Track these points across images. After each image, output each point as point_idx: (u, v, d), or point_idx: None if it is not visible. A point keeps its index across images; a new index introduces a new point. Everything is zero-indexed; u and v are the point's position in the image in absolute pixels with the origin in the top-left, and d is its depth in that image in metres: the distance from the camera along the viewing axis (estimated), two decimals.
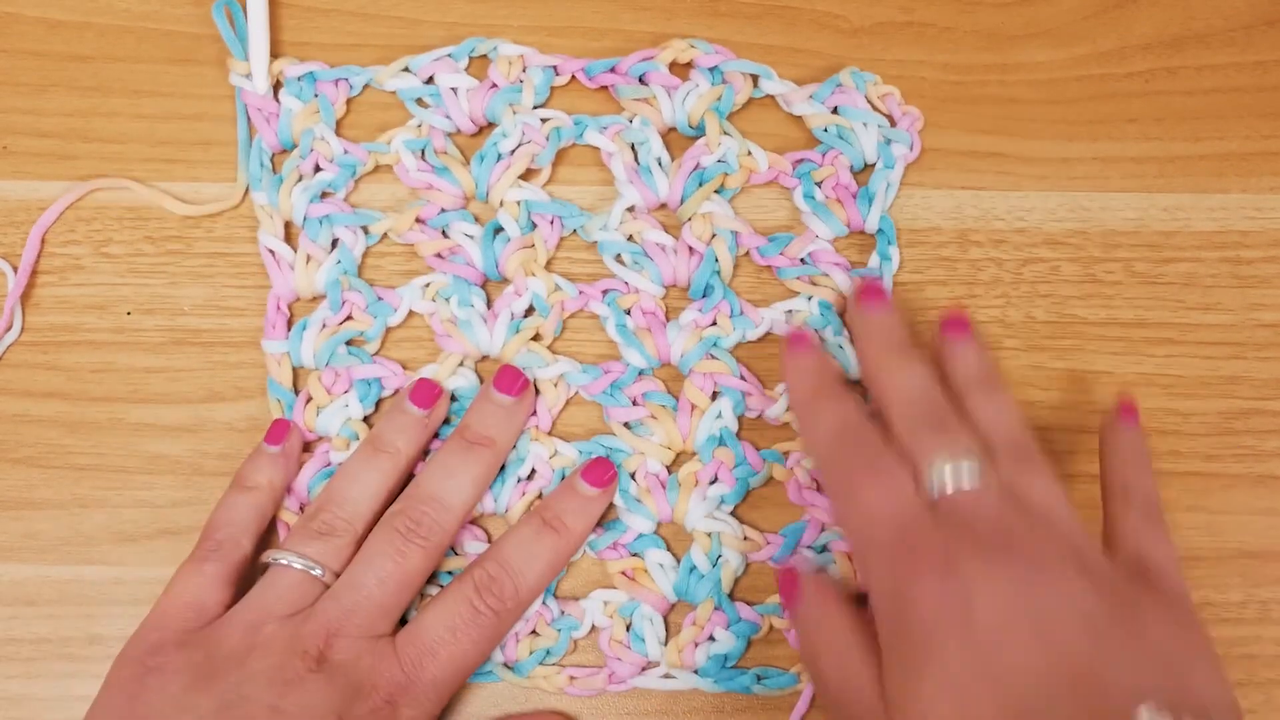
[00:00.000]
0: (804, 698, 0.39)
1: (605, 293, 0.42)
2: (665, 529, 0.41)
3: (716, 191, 0.42)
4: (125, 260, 0.43)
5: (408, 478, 0.40)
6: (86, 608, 0.40)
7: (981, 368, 0.38)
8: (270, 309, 0.42)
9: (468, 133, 0.43)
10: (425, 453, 0.41)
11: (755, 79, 0.43)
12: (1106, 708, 0.30)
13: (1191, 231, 0.43)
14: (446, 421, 0.41)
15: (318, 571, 0.37)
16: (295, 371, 0.42)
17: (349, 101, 0.44)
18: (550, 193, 0.43)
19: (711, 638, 0.40)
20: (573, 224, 0.42)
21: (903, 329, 0.39)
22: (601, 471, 0.40)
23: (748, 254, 0.43)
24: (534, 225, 0.42)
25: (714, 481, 0.41)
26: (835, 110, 0.43)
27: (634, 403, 0.41)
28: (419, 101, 0.43)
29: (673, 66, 0.43)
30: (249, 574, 0.39)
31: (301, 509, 0.41)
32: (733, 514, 0.41)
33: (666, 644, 0.40)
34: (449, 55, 0.43)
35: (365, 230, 0.42)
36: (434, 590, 0.40)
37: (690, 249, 0.42)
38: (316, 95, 0.43)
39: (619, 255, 0.42)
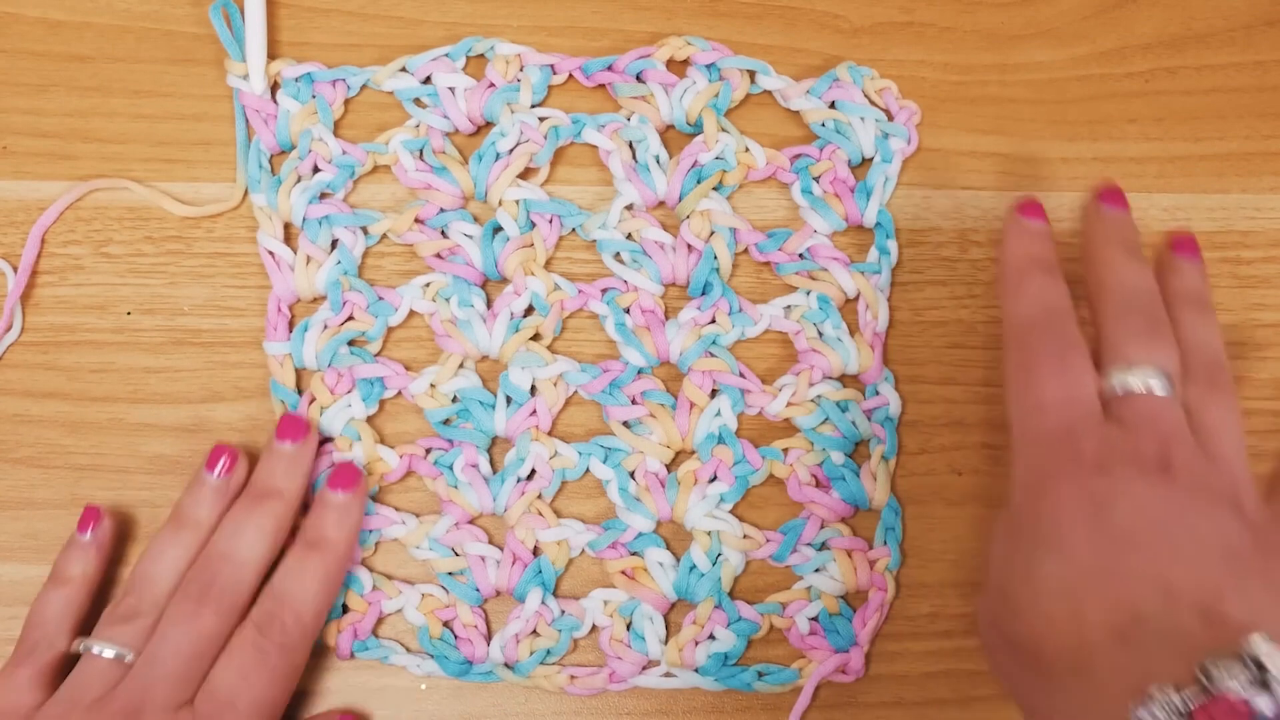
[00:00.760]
0: (805, 694, 0.39)
1: (604, 291, 0.42)
2: (665, 528, 0.41)
3: (715, 188, 0.42)
4: (125, 260, 0.43)
5: None
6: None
7: (1200, 288, 0.38)
8: (271, 310, 0.42)
9: (466, 132, 0.43)
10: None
11: (752, 75, 0.43)
12: (1222, 635, 0.29)
13: (1192, 231, 0.43)
14: (446, 420, 0.41)
15: (127, 655, 0.36)
16: (298, 372, 0.42)
17: (347, 102, 0.44)
18: (549, 191, 0.43)
19: (712, 636, 0.40)
20: (571, 223, 0.42)
21: (1137, 234, 0.38)
22: (347, 476, 0.39)
23: (746, 251, 0.43)
24: (533, 224, 0.42)
25: (713, 480, 0.41)
26: (832, 105, 0.43)
27: (633, 401, 0.41)
28: (416, 101, 0.43)
29: (670, 64, 0.43)
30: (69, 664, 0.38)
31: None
32: (732, 512, 0.41)
33: (667, 643, 0.40)
34: (446, 55, 0.43)
35: (365, 231, 0.42)
36: (435, 591, 0.40)
37: (689, 246, 0.42)
38: (314, 96, 0.43)
39: (618, 254, 0.42)
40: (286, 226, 0.43)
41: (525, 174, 0.43)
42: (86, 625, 0.39)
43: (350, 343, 0.42)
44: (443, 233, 0.42)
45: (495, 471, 0.41)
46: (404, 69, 0.43)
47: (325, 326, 0.41)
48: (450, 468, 0.41)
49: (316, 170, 0.43)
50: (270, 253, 0.42)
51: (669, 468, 0.41)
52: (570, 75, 0.43)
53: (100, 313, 0.42)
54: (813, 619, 0.40)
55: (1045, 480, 0.33)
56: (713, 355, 0.41)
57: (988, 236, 0.43)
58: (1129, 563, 0.31)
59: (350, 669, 0.40)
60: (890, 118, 0.43)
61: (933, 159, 0.44)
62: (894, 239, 0.42)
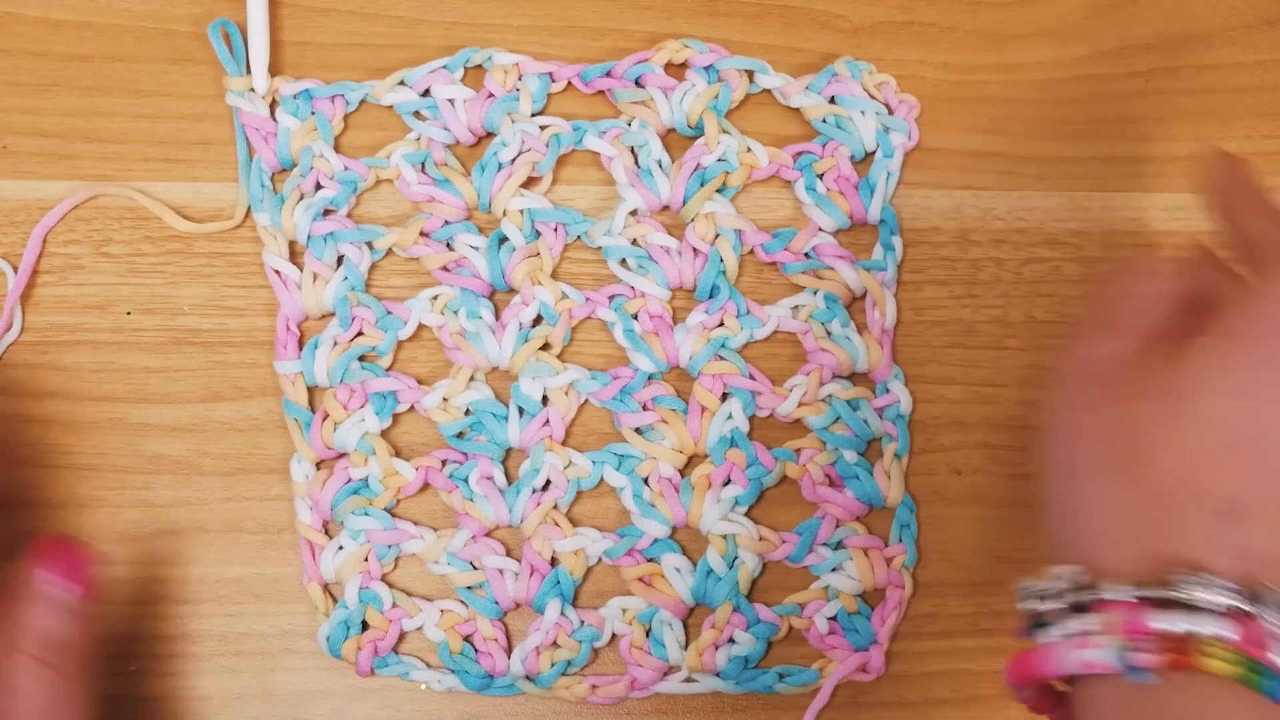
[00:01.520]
0: (823, 693, 0.40)
1: (612, 298, 0.42)
2: (681, 533, 0.41)
3: (718, 191, 0.42)
4: (125, 260, 0.43)
5: None
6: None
7: None
8: (280, 329, 0.42)
9: (467, 143, 0.43)
10: None
11: (751, 74, 0.43)
12: None
13: (1191, 231, 0.43)
14: (460, 434, 0.41)
15: None
16: (310, 390, 0.42)
17: (346, 117, 0.43)
18: (552, 199, 0.43)
19: (731, 640, 0.40)
20: (576, 230, 0.42)
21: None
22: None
23: (752, 252, 0.43)
24: (538, 234, 0.42)
25: (727, 483, 0.41)
26: (832, 100, 0.43)
27: (644, 407, 0.41)
28: (416, 114, 0.43)
29: (668, 67, 0.43)
30: None
31: (325, 527, 0.41)
32: (747, 514, 0.41)
33: (687, 648, 0.40)
34: (444, 67, 0.43)
35: (370, 246, 0.42)
36: (449, 604, 0.40)
37: (694, 250, 0.42)
38: (313, 113, 0.43)
39: (624, 260, 0.42)
40: (291, 244, 0.43)
41: (528, 183, 0.43)
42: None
43: (361, 358, 0.42)
44: (448, 245, 0.42)
45: (510, 483, 0.41)
46: (402, 82, 0.43)
47: (335, 343, 0.41)
48: (465, 480, 0.41)
49: (319, 187, 0.42)
50: (277, 271, 0.42)
51: (682, 472, 0.41)
52: (569, 82, 0.43)
53: (100, 313, 0.42)
54: (831, 619, 0.40)
55: (1117, 410, 0.31)
56: (722, 358, 0.41)
57: (988, 236, 0.43)
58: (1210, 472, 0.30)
59: (348, 667, 0.40)
60: (890, 112, 0.43)
61: (933, 159, 0.44)
62: (898, 235, 0.42)
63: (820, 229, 0.42)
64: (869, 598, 0.41)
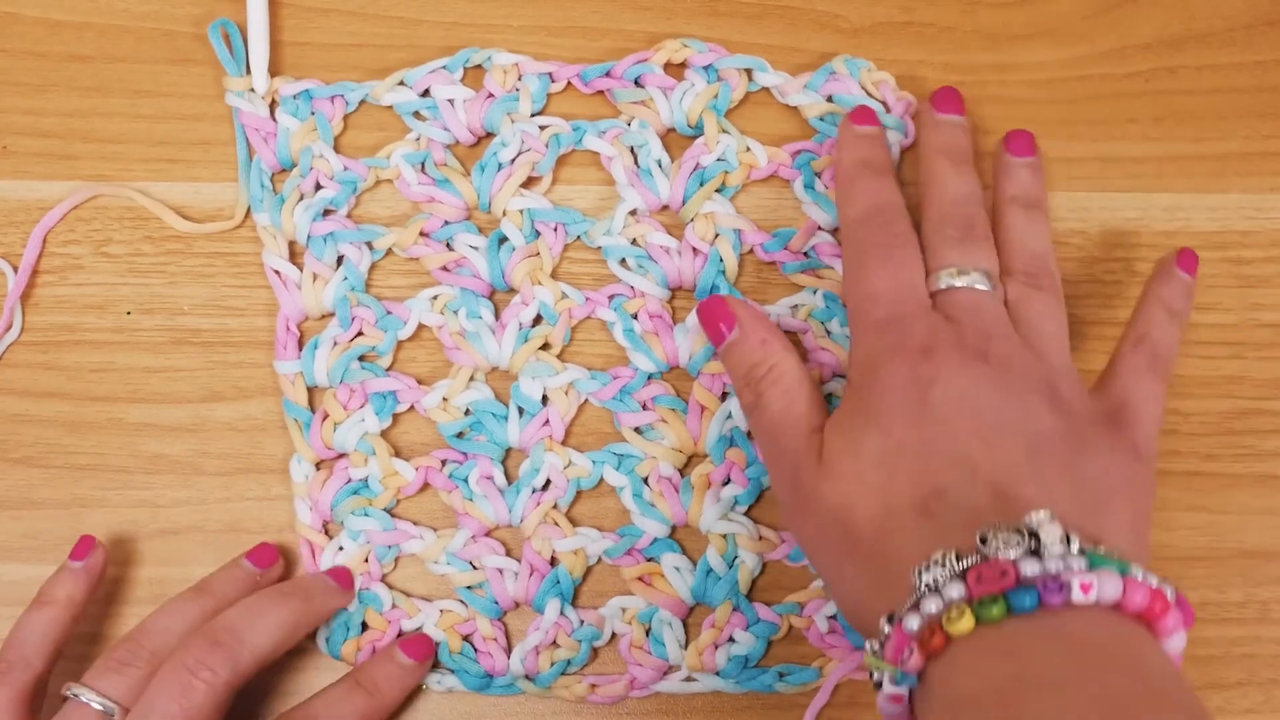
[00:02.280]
0: (823, 691, 0.40)
1: (611, 298, 0.42)
2: (680, 532, 0.41)
3: (718, 190, 0.42)
4: (125, 260, 0.43)
5: None
6: (86, 607, 0.40)
7: (1029, 188, 0.40)
8: (280, 330, 0.42)
9: (466, 144, 0.43)
10: None
11: (750, 73, 0.43)
12: (1011, 512, 0.32)
13: (1191, 231, 0.43)
14: (460, 434, 0.41)
15: (114, 712, 0.35)
16: (310, 390, 0.42)
17: (346, 117, 0.43)
18: (552, 199, 0.43)
19: (731, 639, 0.40)
20: (576, 230, 0.42)
21: (967, 141, 0.40)
22: (421, 647, 0.39)
23: (751, 251, 0.43)
24: (538, 234, 0.42)
25: (727, 482, 0.41)
26: (830, 99, 0.43)
27: (644, 407, 0.41)
28: (416, 115, 0.43)
29: (667, 67, 0.43)
30: (52, 685, 0.38)
31: (325, 527, 0.41)
32: (747, 514, 0.41)
33: (686, 647, 0.40)
34: (444, 67, 0.43)
35: (370, 246, 0.42)
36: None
37: (694, 250, 0.42)
38: (313, 113, 0.43)
39: (623, 260, 0.42)
40: (291, 245, 0.42)
41: (528, 183, 0.43)
42: (68, 652, 0.38)
43: (361, 358, 0.42)
44: (448, 245, 0.42)
45: (510, 483, 0.41)
46: (402, 83, 0.43)
47: (335, 343, 0.41)
48: (465, 480, 0.41)
49: (319, 187, 0.42)
50: (277, 272, 0.42)
51: (682, 472, 0.41)
52: (569, 82, 0.43)
53: (100, 312, 0.42)
54: (831, 617, 0.40)
55: (876, 363, 0.36)
56: None
57: None
58: (940, 441, 0.34)
59: (347, 667, 0.40)
60: (887, 109, 0.43)
61: None
62: None
63: (819, 228, 0.42)
64: None
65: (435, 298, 0.42)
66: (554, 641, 0.40)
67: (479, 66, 0.43)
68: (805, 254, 0.42)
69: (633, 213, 0.42)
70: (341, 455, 0.41)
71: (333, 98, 0.43)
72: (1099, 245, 0.43)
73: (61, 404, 0.42)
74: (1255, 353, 0.42)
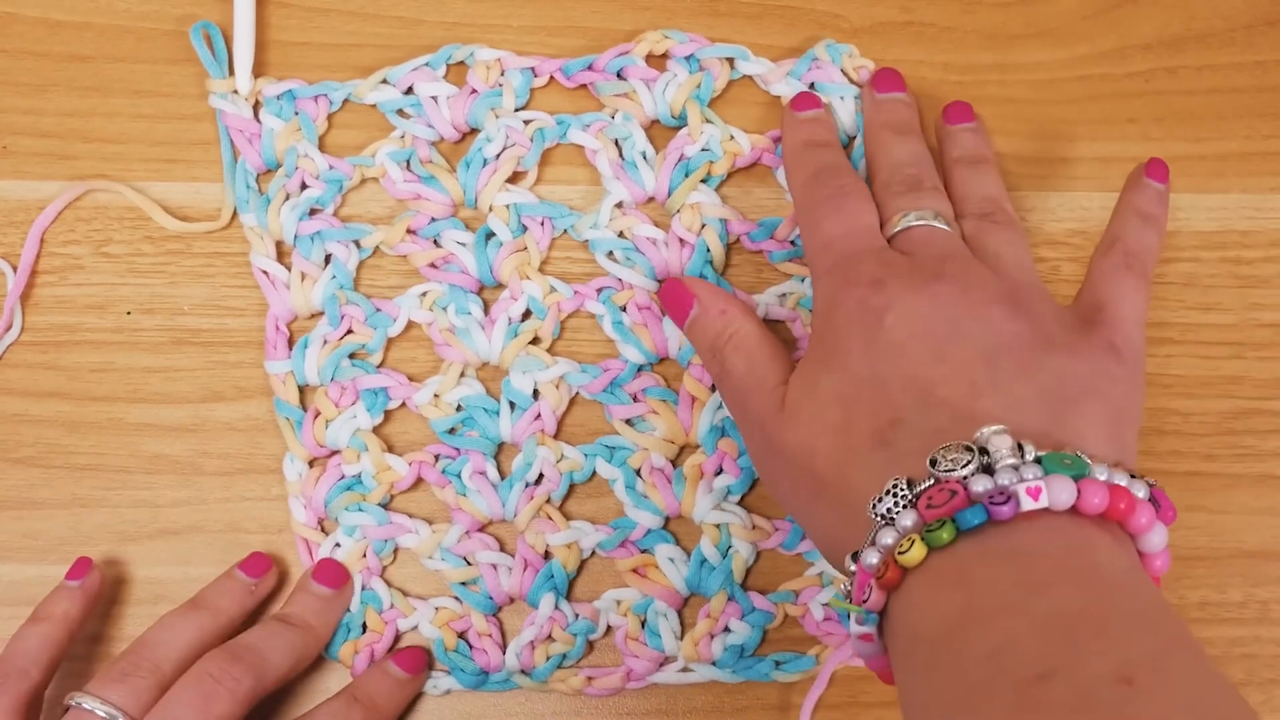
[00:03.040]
0: (821, 678, 0.40)
1: (600, 291, 0.42)
2: (674, 523, 0.41)
3: (703, 180, 0.42)
4: (125, 260, 0.43)
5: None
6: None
7: (974, 148, 0.41)
8: (269, 329, 0.42)
9: (451, 140, 0.43)
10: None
11: (732, 62, 0.43)
12: (968, 432, 0.31)
13: (1191, 231, 0.43)
14: (452, 429, 0.41)
15: (117, 716, 0.35)
16: (301, 389, 0.42)
17: (330, 116, 0.43)
18: (538, 193, 0.43)
19: (727, 629, 0.40)
20: (563, 224, 0.42)
21: (910, 113, 0.41)
22: (414, 659, 0.40)
23: (738, 241, 0.43)
24: (525, 228, 0.42)
25: (719, 472, 0.41)
26: (813, 86, 0.43)
27: (635, 399, 0.41)
28: (400, 112, 0.43)
29: (649, 58, 0.43)
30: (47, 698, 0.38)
31: (321, 525, 0.41)
32: (740, 503, 0.41)
33: (682, 638, 0.40)
34: (426, 64, 0.43)
35: (357, 244, 0.42)
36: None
37: (681, 241, 0.42)
38: (297, 113, 0.43)
39: (611, 252, 0.42)
40: (279, 245, 0.42)
41: (513, 178, 0.43)
42: (70, 657, 0.38)
43: (351, 356, 0.42)
44: (435, 242, 0.42)
45: (503, 477, 0.41)
46: (385, 80, 0.43)
47: (325, 342, 0.41)
48: (458, 475, 0.41)
49: (304, 187, 0.42)
50: (265, 272, 0.42)
51: (674, 463, 0.41)
52: (551, 77, 0.43)
53: (100, 312, 0.42)
54: (826, 605, 0.40)
55: (831, 303, 0.36)
56: None
57: None
58: (895, 370, 0.34)
59: (346, 668, 0.40)
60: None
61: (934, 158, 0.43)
62: None
63: None
64: None
65: (424, 294, 0.42)
66: (549, 636, 0.40)
67: (462, 63, 0.43)
68: (792, 242, 0.42)
69: (619, 205, 0.42)
70: (334, 452, 0.41)
71: (316, 97, 0.43)
72: None
73: (61, 404, 0.42)
74: (1255, 353, 0.42)
